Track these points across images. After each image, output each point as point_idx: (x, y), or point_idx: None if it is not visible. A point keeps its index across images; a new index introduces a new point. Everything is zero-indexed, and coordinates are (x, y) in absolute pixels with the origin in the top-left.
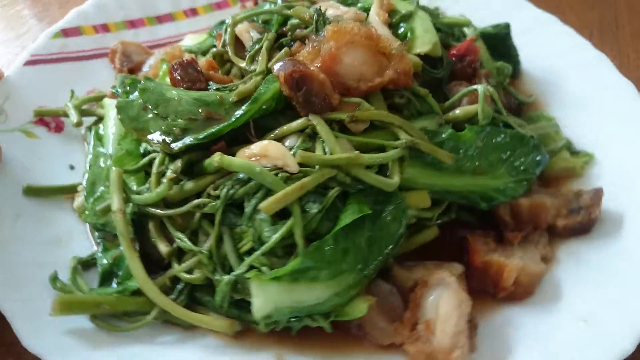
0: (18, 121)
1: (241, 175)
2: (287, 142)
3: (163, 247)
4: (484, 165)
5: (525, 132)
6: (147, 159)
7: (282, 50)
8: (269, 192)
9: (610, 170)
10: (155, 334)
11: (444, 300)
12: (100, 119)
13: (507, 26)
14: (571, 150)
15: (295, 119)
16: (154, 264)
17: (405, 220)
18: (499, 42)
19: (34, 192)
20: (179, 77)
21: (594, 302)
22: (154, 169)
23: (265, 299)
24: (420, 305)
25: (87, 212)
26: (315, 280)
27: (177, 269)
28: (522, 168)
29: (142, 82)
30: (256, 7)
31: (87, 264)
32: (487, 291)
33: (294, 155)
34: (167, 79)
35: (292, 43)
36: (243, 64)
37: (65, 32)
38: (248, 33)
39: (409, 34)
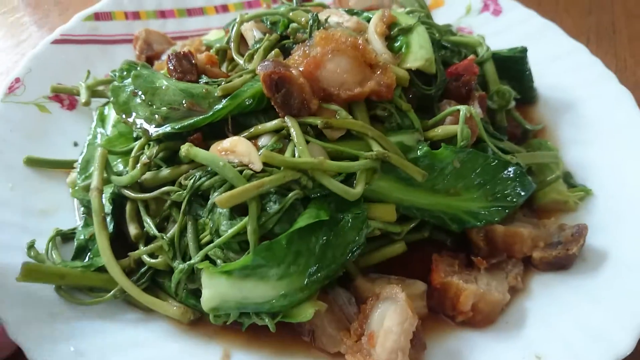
0: (34, 95)
1: (210, 168)
2: (261, 141)
3: (133, 229)
4: (459, 187)
5: (509, 159)
6: (136, 143)
7: (273, 52)
8: (232, 187)
9: (606, 208)
10: (117, 312)
11: (389, 315)
12: (109, 102)
13: (522, 50)
14: (570, 184)
15: (275, 119)
16: (130, 246)
17: (365, 231)
18: (512, 65)
19: (33, 163)
20: (172, 67)
21: (552, 340)
22: (132, 153)
23: (213, 291)
24: (368, 317)
25: (76, 188)
26: (264, 279)
27: (139, 251)
28: (501, 195)
29: (138, 68)
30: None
31: (67, 236)
32: (446, 314)
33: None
34: None
35: (294, 46)
36: (242, 61)
37: (97, 16)
38: (252, 32)
39: (403, 48)
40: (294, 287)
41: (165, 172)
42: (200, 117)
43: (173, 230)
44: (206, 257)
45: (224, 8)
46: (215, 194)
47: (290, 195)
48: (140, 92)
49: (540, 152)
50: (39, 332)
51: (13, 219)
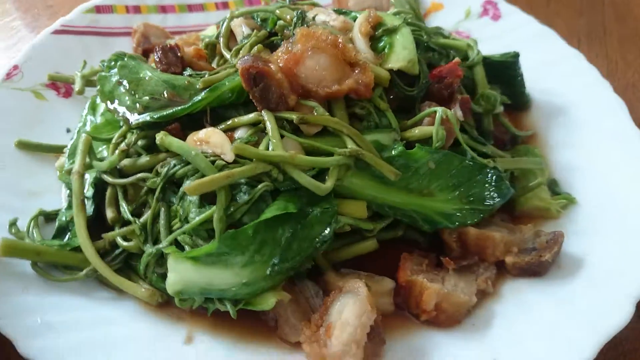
0: (32, 82)
1: (184, 157)
2: (237, 134)
3: (109, 213)
4: (433, 188)
5: (486, 163)
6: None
7: (256, 47)
8: (203, 176)
9: (589, 217)
10: (89, 291)
11: (348, 308)
12: None
13: (514, 55)
14: (554, 191)
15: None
16: (108, 229)
17: (334, 226)
18: (503, 70)
19: (24, 146)
20: (157, 59)
21: (514, 345)
22: (113, 140)
23: (178, 275)
24: (328, 308)
25: (63, 172)
26: (228, 266)
27: (112, 233)
28: (476, 198)
29: (125, 59)
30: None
31: (50, 217)
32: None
33: None
34: None
35: (282, 42)
36: (228, 56)
37: (98, 9)
38: (241, 28)
39: (387, 49)
40: (257, 276)
41: (143, 159)
42: (179, 107)
43: (147, 215)
44: (176, 243)
45: (225, 5)
46: (187, 182)
47: (259, 186)
48: (124, 82)
49: (523, 158)
50: (10, 303)
51: (2, 199)
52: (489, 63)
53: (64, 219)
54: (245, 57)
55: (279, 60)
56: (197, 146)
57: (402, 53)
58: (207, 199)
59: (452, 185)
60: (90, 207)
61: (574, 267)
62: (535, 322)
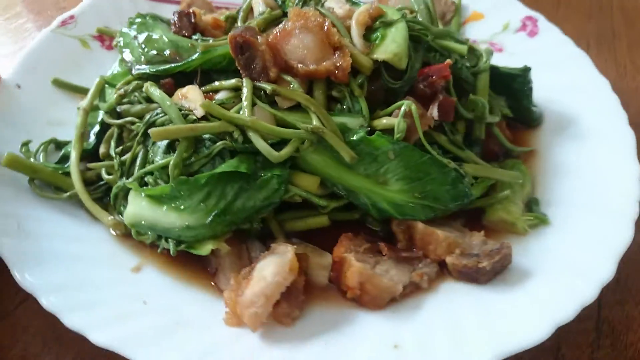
0: (82, 32)
1: None
2: (218, 95)
3: (102, 149)
4: (388, 177)
5: (446, 163)
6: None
7: (255, 21)
8: None
9: (556, 240)
10: (72, 211)
11: (270, 265)
12: None
13: (524, 69)
14: (530, 208)
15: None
16: None
17: (282, 193)
18: (510, 82)
19: (59, 84)
20: (172, 22)
21: (420, 336)
22: (117, 86)
23: (133, 208)
24: (256, 265)
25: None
26: (175, 209)
27: (96, 164)
28: (431, 196)
29: (147, 18)
30: None
31: (60, 146)
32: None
33: None
34: None
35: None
36: None
37: None
38: (258, 5)
39: (378, 40)
40: (199, 222)
41: (138, 107)
42: (174, 65)
43: (127, 155)
44: (145, 183)
45: None
46: None
47: (218, 144)
48: (139, 37)
49: (498, 169)
50: None
51: (25, 123)
52: (497, 73)
53: (69, 149)
54: (239, 27)
55: (270, 35)
56: (179, 100)
57: (390, 46)
58: (173, 148)
59: (408, 177)
60: (93, 142)
61: (517, 282)
62: (451, 323)
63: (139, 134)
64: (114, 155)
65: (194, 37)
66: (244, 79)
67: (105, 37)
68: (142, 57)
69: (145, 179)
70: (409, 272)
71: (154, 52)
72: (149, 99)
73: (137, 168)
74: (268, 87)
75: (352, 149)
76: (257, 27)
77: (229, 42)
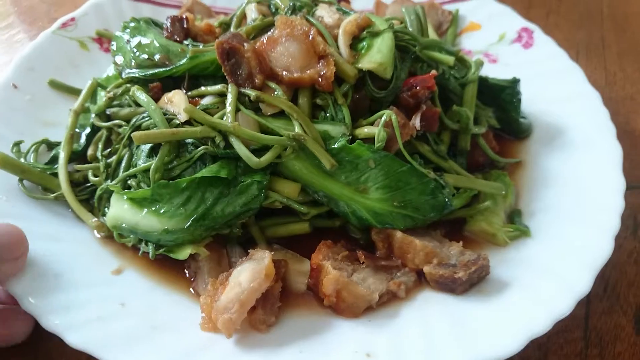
0: (81, 34)
1: None
2: (203, 101)
3: (90, 150)
4: (369, 185)
5: (426, 173)
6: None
7: (244, 29)
8: None
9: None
10: (58, 211)
11: (246, 271)
12: None
13: (513, 81)
14: (512, 220)
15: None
16: None
17: (260, 199)
18: (498, 93)
19: (55, 85)
20: (165, 27)
21: (394, 346)
22: (108, 89)
23: (115, 211)
24: (233, 271)
25: None
26: (155, 212)
27: (82, 166)
28: (410, 205)
29: (140, 22)
30: None
31: (52, 146)
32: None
33: None
34: None
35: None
36: None
37: None
38: (251, 12)
39: (364, 49)
40: (177, 226)
41: (127, 110)
42: (162, 69)
43: (113, 158)
44: (128, 186)
45: None
46: None
47: (199, 149)
48: (131, 41)
49: (479, 180)
50: None
51: (18, 122)
52: (485, 84)
53: (59, 150)
54: (227, 34)
55: (257, 42)
56: (165, 104)
57: (375, 55)
58: (156, 152)
59: (387, 186)
60: (82, 143)
61: (494, 293)
62: (426, 333)
63: (125, 137)
64: (99, 157)
65: (185, 42)
66: (229, 85)
67: (103, 40)
68: (133, 60)
69: (129, 182)
70: (387, 281)
71: (145, 56)
72: (137, 103)
73: (122, 171)
74: (252, 93)
75: (333, 156)
76: (245, 34)
77: (215, 48)
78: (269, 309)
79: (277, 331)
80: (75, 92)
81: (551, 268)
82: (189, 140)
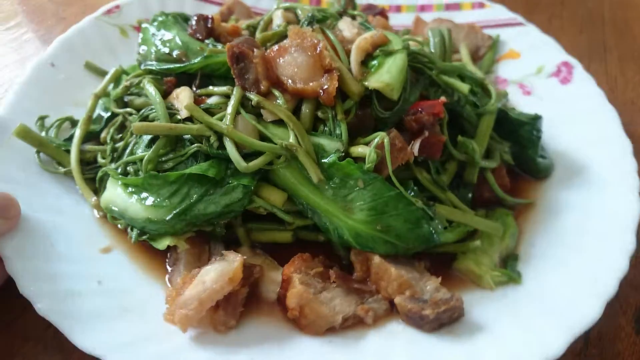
0: (123, 21)
1: None
2: (209, 100)
3: (103, 134)
4: (355, 205)
5: (414, 202)
6: None
7: (260, 35)
8: None
9: (522, 302)
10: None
11: (213, 272)
12: None
13: (534, 117)
14: (505, 264)
15: None
16: None
17: (244, 203)
18: (516, 128)
19: (90, 67)
20: (190, 24)
21: None
22: (127, 77)
23: (109, 193)
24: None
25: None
26: (142, 201)
27: (91, 147)
28: (394, 232)
29: (168, 17)
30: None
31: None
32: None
33: None
34: None
35: None
36: None
37: None
38: (277, 18)
39: (374, 68)
40: (160, 217)
41: (141, 99)
42: (177, 65)
43: (121, 143)
44: (127, 172)
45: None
46: None
47: (192, 146)
48: (157, 35)
49: (476, 217)
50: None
51: (50, 99)
52: (505, 117)
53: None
54: (240, 38)
55: (269, 50)
56: (173, 99)
57: (384, 75)
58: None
59: (373, 209)
60: (100, 125)
61: (464, 337)
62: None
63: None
64: (107, 141)
65: (207, 41)
66: (235, 88)
67: None
68: (154, 53)
69: (128, 168)
70: (356, 305)
71: (166, 50)
72: None
73: (125, 156)
74: (255, 98)
75: (323, 171)
76: (262, 40)
77: (227, 50)
78: (230, 312)
79: (236, 335)
80: (105, 74)
81: (529, 322)
82: (187, 137)
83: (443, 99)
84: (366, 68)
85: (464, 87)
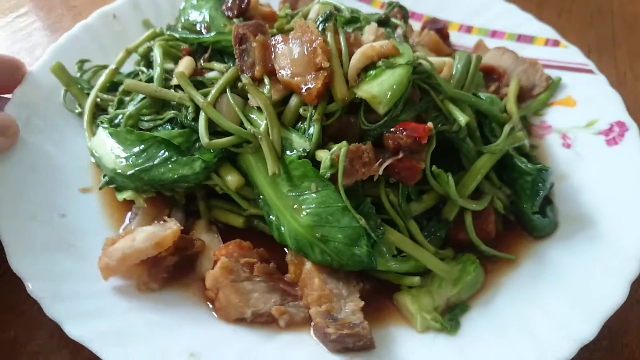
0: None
1: None
2: (209, 74)
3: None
4: (303, 208)
5: (358, 218)
6: None
7: (279, 24)
8: None
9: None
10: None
11: (145, 232)
12: None
13: (540, 169)
14: (449, 310)
15: None
16: None
17: (199, 177)
18: (516, 177)
19: (147, 26)
20: (226, 2)
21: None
22: (157, 39)
23: (95, 139)
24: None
25: None
26: (114, 152)
27: (104, 95)
28: (332, 242)
29: None
30: None
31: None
32: None
33: None
34: None
35: None
36: None
37: None
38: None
39: (369, 77)
40: (123, 172)
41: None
42: (192, 36)
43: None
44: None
45: None
46: None
47: (169, 112)
48: (194, 4)
49: (425, 252)
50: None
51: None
52: (509, 162)
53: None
54: (250, 22)
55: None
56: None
57: (374, 87)
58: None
59: (318, 215)
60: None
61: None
62: None
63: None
64: (118, 95)
65: (235, 20)
66: (231, 67)
67: None
68: (183, 22)
69: (119, 121)
70: (274, 304)
71: (193, 21)
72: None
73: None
74: (244, 80)
75: (284, 166)
76: (277, 28)
77: (232, 31)
78: (153, 275)
79: (151, 297)
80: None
81: None
82: (173, 103)
83: (429, 125)
84: (364, 76)
85: (462, 119)
